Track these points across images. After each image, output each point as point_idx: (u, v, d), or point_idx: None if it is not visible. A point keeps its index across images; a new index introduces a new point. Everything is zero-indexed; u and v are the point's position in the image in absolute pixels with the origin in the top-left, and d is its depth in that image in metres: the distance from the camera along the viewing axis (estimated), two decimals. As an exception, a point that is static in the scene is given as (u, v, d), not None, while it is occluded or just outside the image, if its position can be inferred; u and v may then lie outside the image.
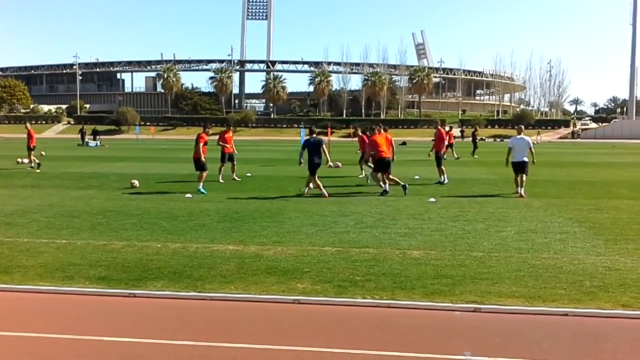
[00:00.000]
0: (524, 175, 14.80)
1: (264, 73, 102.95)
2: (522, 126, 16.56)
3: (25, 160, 25.11)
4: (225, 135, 18.13)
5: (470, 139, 35.99)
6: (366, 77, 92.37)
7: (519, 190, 14.70)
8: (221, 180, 17.48)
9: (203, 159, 15.13)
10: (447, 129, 37.31)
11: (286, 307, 6.00)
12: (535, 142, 24.95)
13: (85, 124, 60.58)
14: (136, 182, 16.41)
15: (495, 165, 25.69)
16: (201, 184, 15.01)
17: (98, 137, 49.77)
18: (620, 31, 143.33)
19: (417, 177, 18.86)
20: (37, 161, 22.83)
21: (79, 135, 49.06)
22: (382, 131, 15.72)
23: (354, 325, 5.46)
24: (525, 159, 14.69)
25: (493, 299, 6.09)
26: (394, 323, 5.53)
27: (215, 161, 17.42)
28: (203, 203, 13.05)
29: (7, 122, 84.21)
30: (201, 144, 15.08)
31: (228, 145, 18.03)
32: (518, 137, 15.13)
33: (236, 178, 18.21)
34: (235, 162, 18.67)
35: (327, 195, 14.00)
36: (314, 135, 14.54)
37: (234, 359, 4.69)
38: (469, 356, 4.70)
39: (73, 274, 7.00)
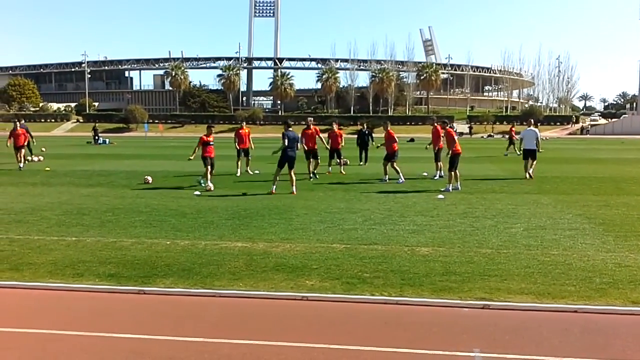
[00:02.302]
0: (533, 161, 18.06)
1: (272, 70, 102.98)
2: (532, 120, 20.62)
3: (35, 159, 25.28)
4: (240, 132, 19.27)
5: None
6: (374, 74, 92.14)
7: (527, 173, 17.86)
8: (238, 174, 18.65)
9: (203, 157, 15.70)
10: (511, 126, 37.37)
11: (295, 303, 6.02)
12: (544, 138, 27.28)
13: (95, 122, 60.35)
14: (149, 178, 16.87)
15: (504, 162, 25.59)
16: (202, 178, 15.71)
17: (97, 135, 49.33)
18: (629, 26, 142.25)
19: (425, 173, 18.81)
20: (24, 161, 22.13)
21: (92, 133, 48.40)
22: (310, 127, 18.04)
23: (362, 322, 5.46)
24: (533, 147, 17.97)
25: (502, 296, 6.08)
26: (402, 320, 5.53)
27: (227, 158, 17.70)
28: (211, 200, 13.09)
29: (17, 120, 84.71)
30: (199, 146, 15.85)
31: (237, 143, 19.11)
32: (528, 129, 18.62)
33: (249, 171, 19.25)
34: (249, 158, 19.52)
35: (273, 191, 14.15)
36: (290, 129, 14.49)
37: (243, 355, 4.71)
38: (478, 353, 4.69)
39: (83, 271, 7.05)
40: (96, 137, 46.89)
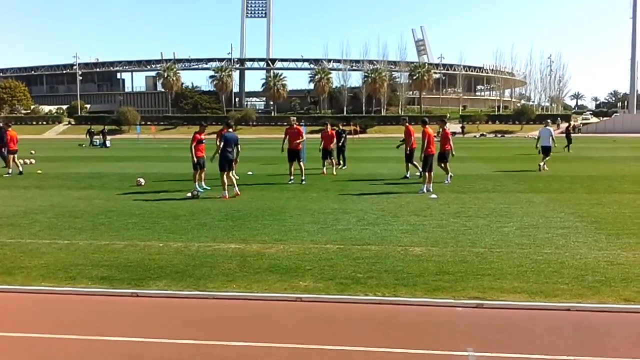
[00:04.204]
0: (547, 157, 20.68)
1: (264, 71, 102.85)
2: (549, 120, 25.08)
3: (28, 161, 25.12)
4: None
5: (564, 134, 36.68)
6: (366, 74, 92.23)
7: (539, 166, 20.36)
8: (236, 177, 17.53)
9: (193, 159, 14.66)
10: (568, 125, 37.51)
11: (288, 305, 6.01)
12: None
13: (87, 123, 59.50)
14: (142, 180, 16.79)
15: (497, 161, 25.70)
16: (196, 183, 14.68)
17: (95, 136, 48.68)
18: (620, 25, 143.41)
19: (417, 173, 18.82)
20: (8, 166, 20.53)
21: (100, 136, 47.57)
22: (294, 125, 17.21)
23: (356, 322, 5.46)
24: (549, 144, 20.73)
25: (495, 295, 6.10)
26: (396, 320, 5.54)
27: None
28: (204, 202, 13.06)
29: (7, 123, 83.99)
30: (193, 143, 14.75)
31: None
32: (544, 128, 21.33)
33: (236, 175, 18.15)
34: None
35: (227, 196, 13.52)
36: (231, 130, 14.11)
37: (237, 357, 4.70)
38: (472, 352, 4.70)
39: (75, 275, 7.01)
40: (103, 139, 45.83)
